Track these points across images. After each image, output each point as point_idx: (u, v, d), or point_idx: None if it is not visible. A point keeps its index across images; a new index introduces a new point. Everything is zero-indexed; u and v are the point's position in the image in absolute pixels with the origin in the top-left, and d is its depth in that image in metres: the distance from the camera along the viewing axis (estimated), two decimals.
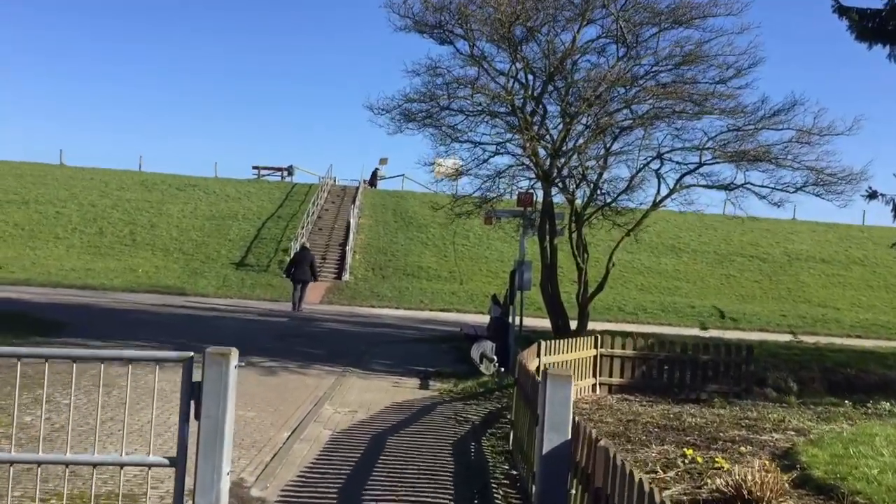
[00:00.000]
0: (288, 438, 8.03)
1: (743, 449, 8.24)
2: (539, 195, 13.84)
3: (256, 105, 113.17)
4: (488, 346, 12.29)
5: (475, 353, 12.56)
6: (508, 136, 13.70)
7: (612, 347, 11.74)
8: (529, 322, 19.34)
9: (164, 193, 38.67)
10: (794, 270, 37.44)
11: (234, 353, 4.32)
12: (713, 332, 23.48)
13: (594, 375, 11.65)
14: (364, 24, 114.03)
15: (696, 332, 24.36)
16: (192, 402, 4.21)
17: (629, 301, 29.50)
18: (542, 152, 13.21)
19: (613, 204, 13.61)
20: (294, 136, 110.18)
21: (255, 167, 47.56)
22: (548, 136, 13.31)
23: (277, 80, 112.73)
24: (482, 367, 12.01)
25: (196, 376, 4.25)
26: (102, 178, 40.63)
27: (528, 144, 12.52)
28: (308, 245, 25.19)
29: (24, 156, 67.31)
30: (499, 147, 14.04)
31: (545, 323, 23.43)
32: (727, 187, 13.25)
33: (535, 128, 12.83)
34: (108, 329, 16.27)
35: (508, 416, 9.21)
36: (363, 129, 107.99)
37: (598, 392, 11.72)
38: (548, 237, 13.66)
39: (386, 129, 14.64)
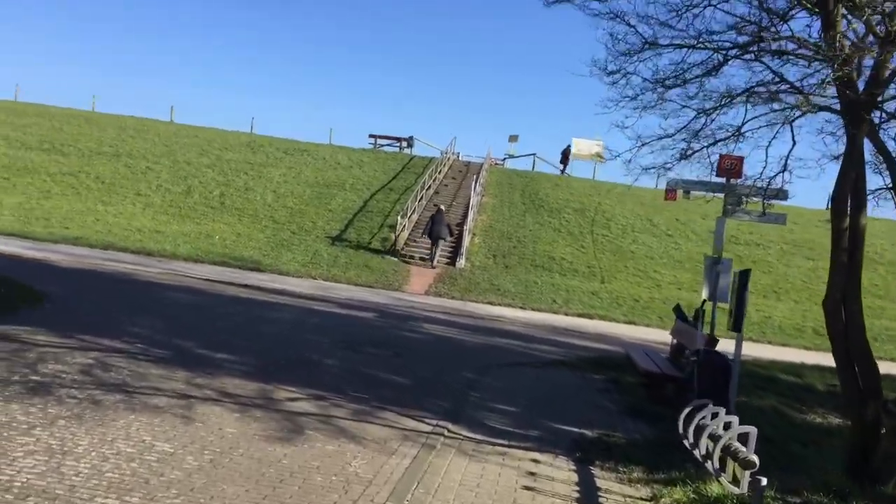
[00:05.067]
0: None
1: None
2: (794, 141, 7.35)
3: (374, 73, 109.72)
4: (728, 427, 5.92)
5: (695, 434, 6.29)
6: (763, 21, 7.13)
7: None
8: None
9: (269, 156, 34.47)
10: None
11: None
12: None
13: None
14: None
15: None
16: None
17: (807, 320, 22.21)
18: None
19: None
20: (417, 108, 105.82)
21: (371, 136, 42.75)
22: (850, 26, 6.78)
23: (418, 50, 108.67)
24: (723, 476, 5.64)
25: None
26: (207, 137, 37.00)
27: (834, 20, 6.04)
28: (444, 208, 25.22)
29: (136, 111, 66.14)
30: (739, 51, 7.55)
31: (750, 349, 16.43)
32: None
33: None
34: (99, 310, 11.27)
35: None
36: (491, 101, 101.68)
37: None
38: (849, 212, 6.97)
39: None
